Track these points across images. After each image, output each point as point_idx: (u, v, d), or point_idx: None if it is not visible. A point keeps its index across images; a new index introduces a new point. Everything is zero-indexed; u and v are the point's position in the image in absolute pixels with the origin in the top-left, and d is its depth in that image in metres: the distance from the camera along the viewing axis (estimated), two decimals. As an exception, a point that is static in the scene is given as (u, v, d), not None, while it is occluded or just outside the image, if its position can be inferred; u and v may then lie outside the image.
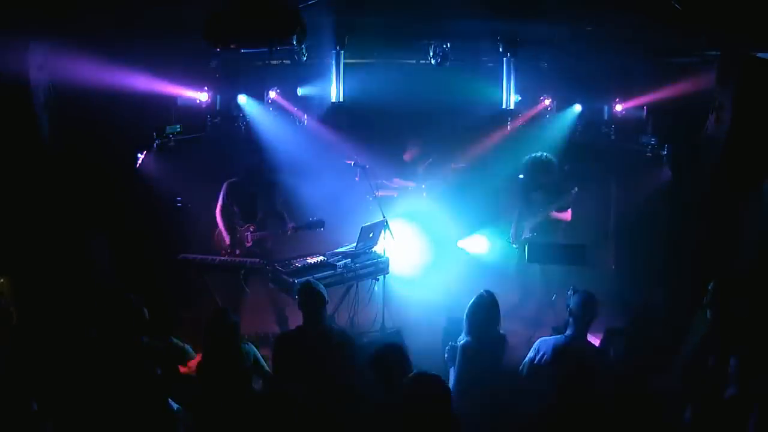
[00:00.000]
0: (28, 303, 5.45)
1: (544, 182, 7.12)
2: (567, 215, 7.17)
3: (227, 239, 6.88)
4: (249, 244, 6.87)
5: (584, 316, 4.51)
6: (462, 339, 4.67)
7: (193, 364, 4.69)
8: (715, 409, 3.90)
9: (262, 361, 4.65)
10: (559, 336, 4.61)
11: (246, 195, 6.98)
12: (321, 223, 6.81)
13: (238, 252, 6.83)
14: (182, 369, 4.64)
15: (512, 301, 6.89)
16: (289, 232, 6.87)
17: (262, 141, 8.10)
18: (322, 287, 4.75)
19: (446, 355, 4.74)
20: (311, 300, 4.63)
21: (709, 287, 4.61)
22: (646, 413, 4.39)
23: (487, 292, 4.71)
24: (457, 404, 4.48)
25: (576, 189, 7.04)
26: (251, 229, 6.88)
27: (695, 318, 4.85)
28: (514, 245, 7.23)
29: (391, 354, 3.97)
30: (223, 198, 6.99)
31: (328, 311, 6.46)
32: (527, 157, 7.21)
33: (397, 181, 8.47)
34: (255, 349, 4.61)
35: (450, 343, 4.76)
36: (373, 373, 3.93)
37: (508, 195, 7.97)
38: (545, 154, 7.15)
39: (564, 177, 7.34)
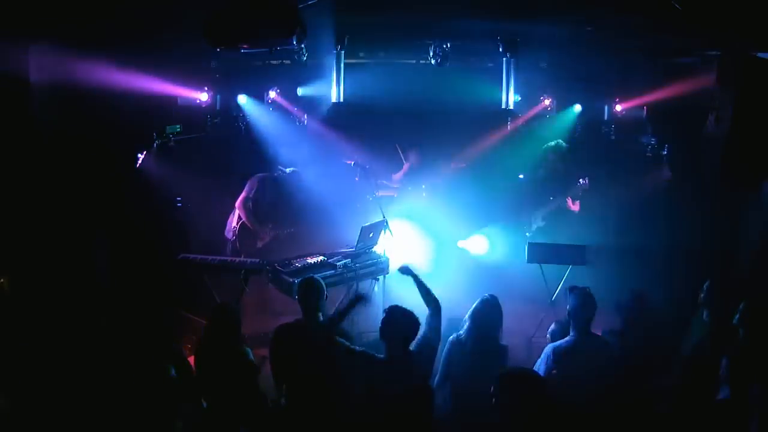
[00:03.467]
0: (28, 303, 5.45)
1: (559, 169, 7.30)
2: (576, 206, 7.31)
3: (264, 231, 7.23)
4: (266, 240, 7.28)
5: (583, 314, 4.49)
6: (456, 335, 4.70)
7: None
8: (712, 411, 3.90)
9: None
10: (565, 339, 4.58)
11: (275, 194, 7.40)
12: None
13: (260, 245, 7.19)
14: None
15: (512, 301, 6.88)
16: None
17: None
18: (320, 281, 4.74)
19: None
20: (306, 293, 4.64)
21: (704, 287, 4.62)
22: (646, 411, 4.39)
23: (491, 295, 4.73)
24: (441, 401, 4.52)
25: (586, 179, 7.11)
26: (270, 225, 7.27)
27: (693, 318, 4.84)
28: (527, 234, 7.42)
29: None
30: (250, 191, 7.28)
31: (328, 311, 6.51)
32: (545, 146, 7.58)
33: (395, 179, 8.50)
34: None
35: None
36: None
37: (516, 191, 8.03)
38: (559, 141, 7.56)
39: (572, 167, 7.46)
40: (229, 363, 4.40)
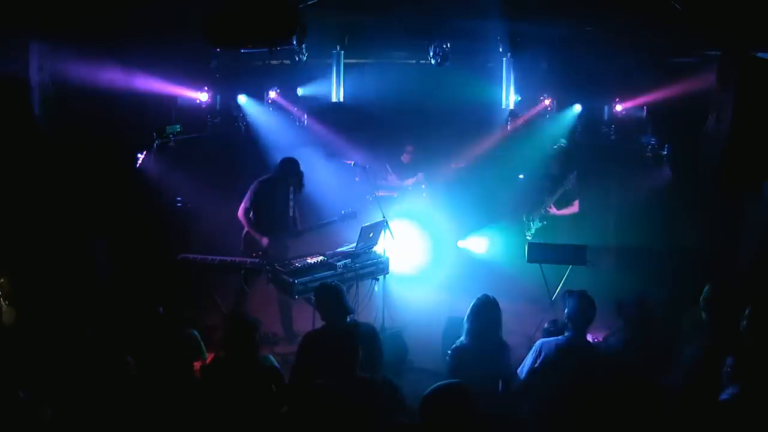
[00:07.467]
0: (28, 303, 5.45)
1: (567, 168, 7.27)
2: (574, 208, 7.24)
3: (264, 240, 6.56)
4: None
5: (581, 317, 4.46)
6: (458, 342, 4.63)
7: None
8: (713, 410, 3.90)
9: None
10: (559, 337, 4.58)
11: (280, 192, 6.70)
12: (354, 215, 6.64)
13: (271, 252, 6.57)
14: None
15: (512, 301, 6.89)
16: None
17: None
18: (336, 284, 4.84)
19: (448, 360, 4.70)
20: (325, 298, 4.67)
21: (705, 290, 4.61)
22: (647, 411, 4.38)
23: (485, 295, 4.65)
24: None
25: (574, 173, 7.06)
26: (275, 233, 6.62)
27: (689, 319, 4.85)
28: (528, 236, 7.34)
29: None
30: (251, 197, 6.62)
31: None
32: (558, 145, 7.45)
33: (391, 179, 8.52)
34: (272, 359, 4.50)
35: (449, 351, 4.72)
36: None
37: (516, 191, 8.02)
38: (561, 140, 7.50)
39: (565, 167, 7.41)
40: (253, 372, 4.25)
